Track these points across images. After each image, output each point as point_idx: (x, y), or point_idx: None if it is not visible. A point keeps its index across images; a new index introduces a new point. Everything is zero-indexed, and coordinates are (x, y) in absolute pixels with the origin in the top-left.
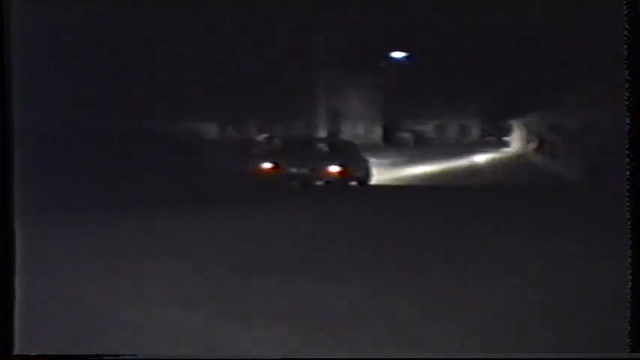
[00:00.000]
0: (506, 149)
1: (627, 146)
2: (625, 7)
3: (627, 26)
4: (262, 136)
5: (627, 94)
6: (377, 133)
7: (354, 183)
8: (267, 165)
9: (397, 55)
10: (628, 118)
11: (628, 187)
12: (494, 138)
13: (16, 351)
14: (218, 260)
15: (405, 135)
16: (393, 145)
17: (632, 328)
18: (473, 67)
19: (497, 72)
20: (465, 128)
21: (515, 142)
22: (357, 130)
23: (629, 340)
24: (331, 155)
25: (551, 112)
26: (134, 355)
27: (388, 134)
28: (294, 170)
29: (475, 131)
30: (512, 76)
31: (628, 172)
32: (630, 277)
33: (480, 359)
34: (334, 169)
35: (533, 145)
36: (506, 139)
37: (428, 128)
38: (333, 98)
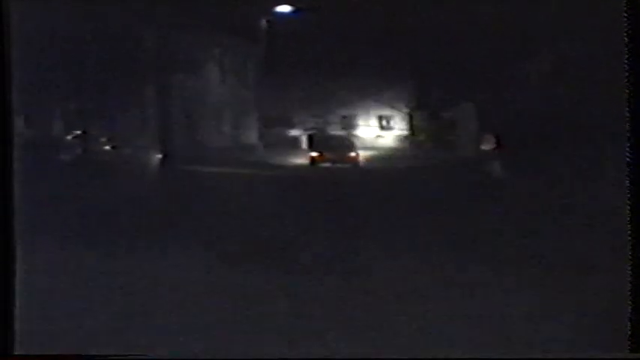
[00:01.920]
0: (447, 151)
1: (627, 145)
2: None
3: (627, 26)
4: (74, 134)
5: (627, 94)
6: (250, 128)
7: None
8: (315, 154)
9: (283, 9)
10: (628, 117)
11: (628, 185)
12: (428, 135)
13: (16, 351)
14: None
15: (296, 133)
16: (275, 148)
17: (632, 328)
18: (397, 29)
19: (433, 37)
20: (387, 121)
21: (462, 142)
22: (223, 124)
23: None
24: (349, 145)
25: (517, 97)
26: (145, 355)
27: (267, 131)
28: (330, 156)
29: (401, 126)
30: (458, 43)
31: (628, 171)
32: (630, 277)
33: (480, 359)
34: (352, 154)
35: (488, 145)
36: (448, 137)
37: (330, 122)
38: (186, 77)
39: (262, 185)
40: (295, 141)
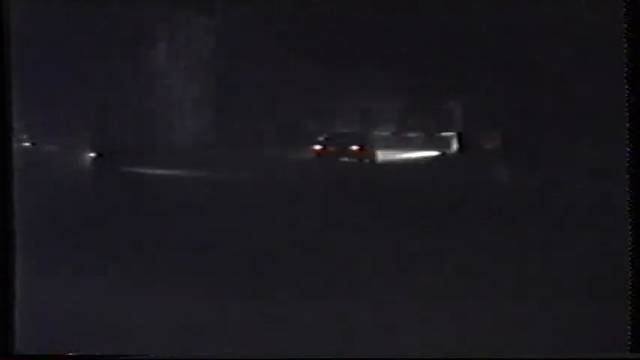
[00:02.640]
0: (445, 150)
1: (627, 146)
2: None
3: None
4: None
5: (627, 94)
6: (209, 121)
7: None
8: (318, 147)
9: None
10: (628, 117)
11: (628, 187)
12: (424, 133)
13: (16, 351)
14: None
15: (263, 126)
16: (235, 144)
17: (632, 328)
18: (386, 10)
19: (431, 23)
20: (377, 116)
21: (462, 139)
22: (175, 116)
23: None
24: (354, 138)
25: (522, 91)
26: (147, 355)
27: (229, 125)
28: (332, 149)
29: (393, 121)
30: (460, 31)
31: (628, 173)
32: (630, 276)
33: (480, 359)
34: (355, 147)
35: (490, 145)
36: (445, 134)
37: (309, 114)
38: (129, 58)
39: (223, 191)
40: (261, 136)
